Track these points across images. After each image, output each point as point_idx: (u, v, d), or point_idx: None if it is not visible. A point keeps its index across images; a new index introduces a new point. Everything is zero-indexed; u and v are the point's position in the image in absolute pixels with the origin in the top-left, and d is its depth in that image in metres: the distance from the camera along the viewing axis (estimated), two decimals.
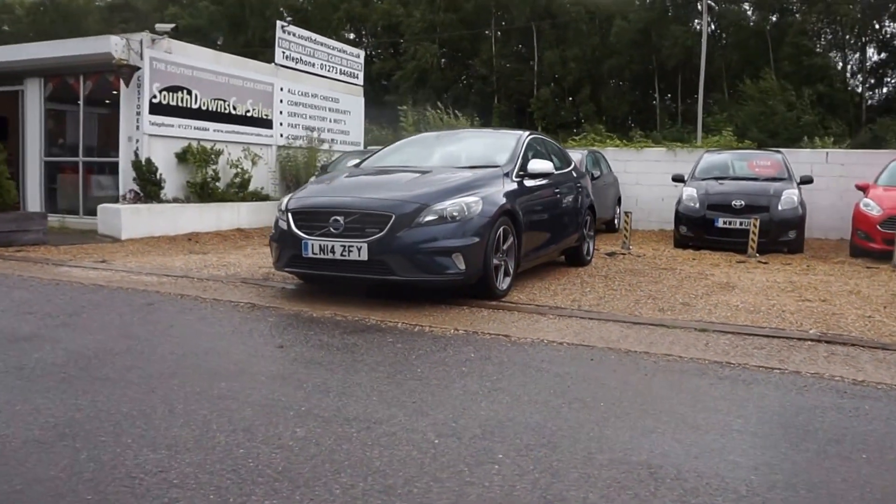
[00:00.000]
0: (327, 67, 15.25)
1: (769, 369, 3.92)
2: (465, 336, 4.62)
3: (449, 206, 5.46)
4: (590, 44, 37.09)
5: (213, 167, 12.00)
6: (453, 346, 4.36)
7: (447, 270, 5.37)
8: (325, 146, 14.37)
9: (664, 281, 7.21)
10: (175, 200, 11.49)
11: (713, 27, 32.99)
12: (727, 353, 4.27)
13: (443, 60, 41.86)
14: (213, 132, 12.34)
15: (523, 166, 6.56)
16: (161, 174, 11.07)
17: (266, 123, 13.56)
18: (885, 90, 36.91)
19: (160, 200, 11.09)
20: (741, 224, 9.72)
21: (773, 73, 30.09)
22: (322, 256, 5.48)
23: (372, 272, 5.40)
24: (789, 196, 9.78)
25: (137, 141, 11.17)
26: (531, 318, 5.20)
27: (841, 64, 36.60)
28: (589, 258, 8.49)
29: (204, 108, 12.20)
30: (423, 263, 5.33)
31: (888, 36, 35.48)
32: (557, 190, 7.35)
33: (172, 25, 11.62)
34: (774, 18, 35.46)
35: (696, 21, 36.51)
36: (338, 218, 5.46)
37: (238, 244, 10.18)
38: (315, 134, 14.17)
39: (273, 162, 13.75)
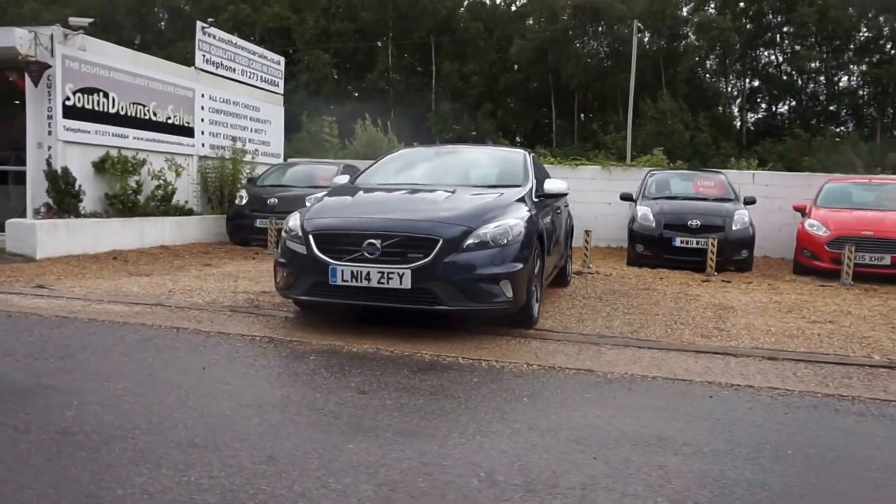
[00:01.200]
0: (248, 73, 14.30)
1: (885, 402, 3.83)
2: (548, 373, 4.23)
3: (493, 229, 5.04)
4: (487, 60, 37.58)
5: (136, 178, 10.84)
6: (551, 385, 3.97)
7: (496, 299, 4.94)
8: (249, 157, 13.42)
9: (661, 303, 7.14)
10: (93, 215, 10.24)
11: (607, 49, 34.54)
12: (825, 384, 4.16)
13: (334, 71, 40.88)
14: (133, 140, 11.15)
15: (540, 186, 6.27)
16: (80, 185, 9.83)
17: (187, 132, 12.46)
18: (759, 115, 40.23)
19: (79, 215, 9.84)
20: (698, 243, 9.93)
21: (666, 95, 31.82)
22: (354, 284, 4.88)
23: (415, 301, 4.87)
24: (741, 216, 10.12)
25: (50, 148, 9.86)
26: (591, 350, 4.89)
27: (728, 88, 39.44)
28: (569, 278, 8.33)
29: (122, 112, 11.01)
30: (472, 291, 4.88)
31: (763, 63, 38.67)
32: (558, 209, 7.13)
33: (90, 20, 10.39)
34: (664, 44, 37.70)
35: (594, 42, 38.03)
36: (374, 241, 4.88)
37: (175, 264, 9.16)
38: (240, 144, 13.20)
39: (195, 173, 12.65)
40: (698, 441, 3.10)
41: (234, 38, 13.99)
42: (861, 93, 37.91)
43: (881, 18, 34.84)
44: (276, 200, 11.55)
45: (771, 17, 36.38)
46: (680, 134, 28.09)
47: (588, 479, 2.64)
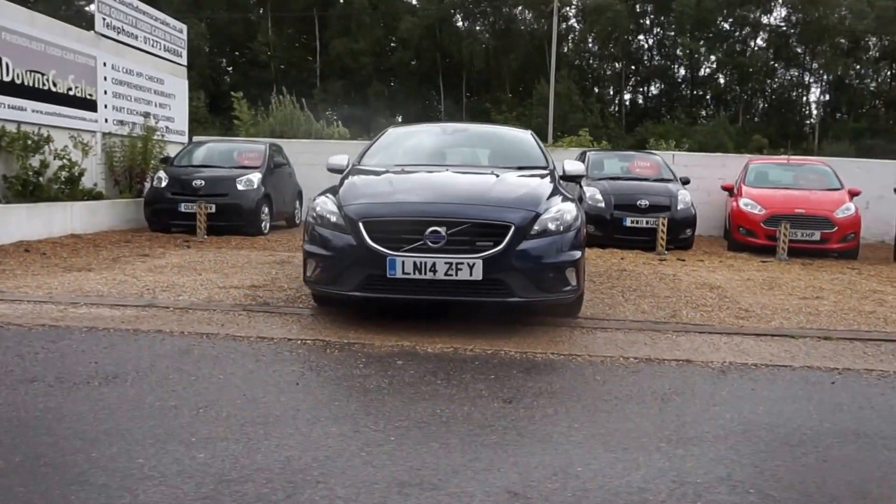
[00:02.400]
0: (151, 42, 12.94)
1: None
2: (652, 366, 4.08)
3: (554, 214, 4.80)
4: (373, 35, 36.57)
5: (39, 157, 9.51)
6: (677, 380, 3.82)
7: (565, 287, 4.72)
8: (158, 135, 12.20)
9: (653, 284, 7.18)
10: None
11: (489, 31, 34.55)
12: None
13: (207, 48, 38.11)
14: (31, 113, 9.77)
15: (560, 168, 6.08)
16: None
17: (90, 105, 11.10)
18: (632, 97, 42.36)
19: None
20: (647, 223, 10.19)
21: (554, 78, 32.62)
22: (417, 277, 4.46)
23: (487, 294, 4.53)
24: (684, 196, 10.50)
25: None
26: (661, 338, 4.77)
27: (605, 72, 41.04)
28: None
29: (18, 81, 9.59)
30: (542, 281, 4.62)
31: (634, 48, 40.66)
32: None
33: None
34: (545, 27, 38.54)
35: (479, 23, 38.14)
36: (438, 229, 4.48)
37: (104, 256, 8.11)
38: (151, 121, 11.96)
39: (100, 152, 11.31)
40: (890, 433, 3.07)
41: (136, 2, 12.57)
42: (723, 79, 41.06)
43: (739, 11, 37.84)
44: (203, 182, 10.59)
45: (641, 3, 38.36)
46: (574, 115, 29.02)
47: (856, 487, 2.50)
